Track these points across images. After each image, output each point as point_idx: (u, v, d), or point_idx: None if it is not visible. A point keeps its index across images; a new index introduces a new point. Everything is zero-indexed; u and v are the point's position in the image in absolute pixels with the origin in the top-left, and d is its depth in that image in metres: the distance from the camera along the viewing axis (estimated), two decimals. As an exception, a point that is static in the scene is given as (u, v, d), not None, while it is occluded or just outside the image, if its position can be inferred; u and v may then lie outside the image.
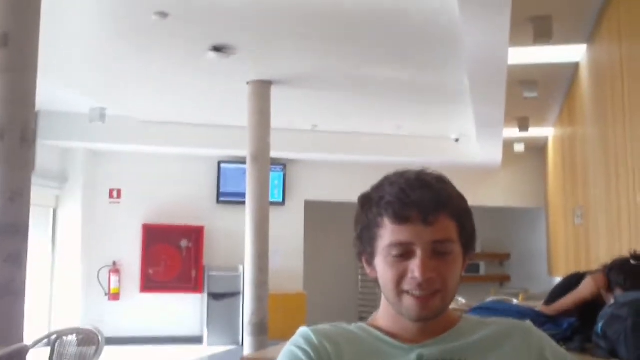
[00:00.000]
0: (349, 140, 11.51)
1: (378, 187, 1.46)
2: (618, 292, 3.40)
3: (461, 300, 7.18)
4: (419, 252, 1.37)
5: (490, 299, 5.87)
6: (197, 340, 11.59)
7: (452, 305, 4.27)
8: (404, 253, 1.38)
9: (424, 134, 11.52)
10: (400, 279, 1.39)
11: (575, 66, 8.11)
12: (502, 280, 14.01)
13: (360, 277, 13.60)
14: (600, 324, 3.06)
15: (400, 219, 1.38)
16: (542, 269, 12.73)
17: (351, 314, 12.79)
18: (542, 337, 1.56)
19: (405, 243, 1.38)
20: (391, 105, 9.86)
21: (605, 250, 6.15)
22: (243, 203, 8.92)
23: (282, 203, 12.08)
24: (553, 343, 1.56)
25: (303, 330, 1.47)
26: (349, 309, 13.12)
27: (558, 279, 4.49)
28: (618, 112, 6.11)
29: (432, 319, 1.43)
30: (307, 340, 1.44)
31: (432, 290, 1.39)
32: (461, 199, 1.47)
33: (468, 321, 1.54)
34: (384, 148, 11.44)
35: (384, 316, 1.50)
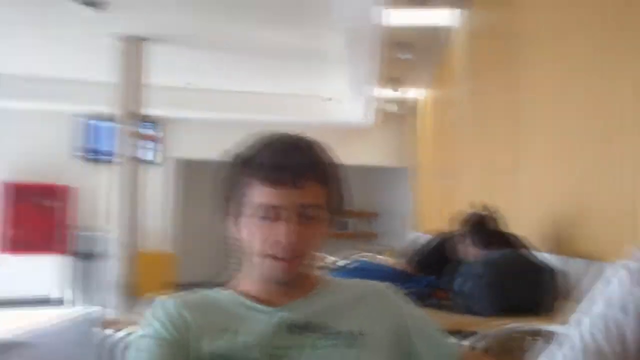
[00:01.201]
0: (223, 99, 11.36)
1: (251, 148, 1.46)
2: (472, 245, 3.50)
3: (328, 257, 7.26)
4: (285, 216, 1.39)
5: (356, 256, 5.96)
6: (61, 302, 11.25)
7: (321, 262, 4.26)
8: (271, 215, 1.40)
9: (298, 93, 11.52)
10: (265, 241, 1.40)
11: (449, 30, 8.28)
12: (370, 237, 14.33)
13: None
14: (458, 281, 3.15)
15: (271, 181, 1.39)
16: (408, 226, 13.09)
17: (223, 276, 12.73)
18: (400, 299, 1.59)
19: (273, 205, 1.39)
20: (266, 64, 9.79)
21: (470, 209, 6.38)
22: (111, 161, 8.68)
23: (154, 162, 11.84)
24: (411, 305, 1.60)
25: (161, 300, 1.46)
26: (222, 270, 13.06)
27: (425, 238, 4.61)
28: (489, 75, 6.30)
29: (293, 282, 1.46)
30: (165, 311, 1.43)
31: (295, 254, 1.41)
32: (334, 166, 1.49)
33: (328, 283, 1.56)
34: (259, 107, 11.37)
35: (247, 278, 1.51)
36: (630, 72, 2.86)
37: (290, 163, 1.40)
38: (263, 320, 1.43)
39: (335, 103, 11.59)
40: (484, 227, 3.57)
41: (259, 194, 1.40)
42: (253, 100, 11.43)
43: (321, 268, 4.89)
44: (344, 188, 1.52)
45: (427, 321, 1.59)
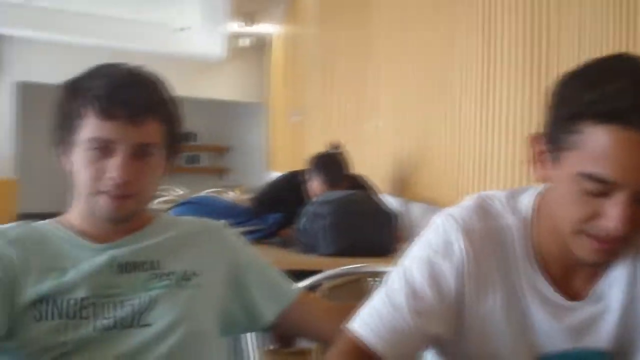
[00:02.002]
0: (68, 20, 10.75)
1: (87, 77, 1.38)
2: (318, 184, 3.54)
3: (179, 191, 7.18)
4: (119, 152, 1.33)
5: (205, 192, 5.92)
6: None
7: (168, 197, 4.19)
8: (104, 150, 1.33)
9: (148, 21, 11.13)
10: (97, 177, 1.34)
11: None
12: (222, 172, 14.26)
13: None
14: (302, 221, 3.20)
15: (106, 114, 1.31)
16: (261, 163, 13.13)
17: (68, 202, 12.34)
18: (236, 239, 1.59)
19: (107, 140, 1.32)
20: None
21: (318, 149, 6.49)
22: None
23: (-8, 83, 11.17)
24: (247, 245, 1.61)
25: None
26: (67, 197, 12.64)
27: (276, 174, 4.63)
28: (337, 14, 6.33)
29: (125, 220, 1.41)
30: None
31: (129, 192, 1.35)
32: (173, 103, 1.43)
33: (161, 220, 1.52)
34: (107, 32, 10.87)
35: (76, 213, 1.44)
36: (462, 26, 2.98)
37: (130, 97, 1.33)
38: (91, 258, 1.37)
39: (188, 34, 11.31)
40: (330, 167, 3.60)
41: (93, 127, 1.33)
42: (101, 24, 10.92)
43: (166, 202, 4.83)
44: (182, 125, 1.46)
45: (262, 262, 1.59)
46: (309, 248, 3.13)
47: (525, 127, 2.45)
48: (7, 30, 10.91)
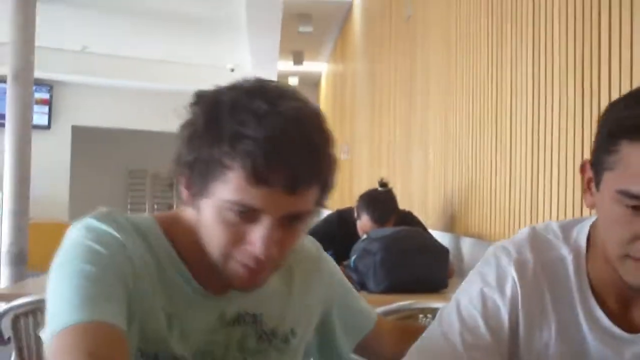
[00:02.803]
0: (120, 65, 11.06)
1: (237, 110, 1.06)
2: (367, 221, 3.55)
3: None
4: (265, 221, 1.07)
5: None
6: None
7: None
8: (248, 216, 1.07)
9: (199, 63, 11.34)
10: (233, 242, 1.09)
11: (349, 4, 8.30)
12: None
13: (129, 207, 13.28)
14: (353, 258, 3.19)
15: (259, 180, 1.03)
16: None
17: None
18: (331, 269, 1.42)
19: (254, 208, 1.06)
20: (166, 31, 9.60)
21: (367, 185, 6.47)
22: (2, 125, 8.33)
23: (48, 127, 11.44)
24: (337, 271, 1.44)
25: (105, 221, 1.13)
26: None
27: (326, 212, 4.62)
28: (384, 52, 6.36)
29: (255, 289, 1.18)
30: (118, 244, 1.10)
31: (269, 265, 1.12)
32: (335, 157, 1.14)
33: None
34: (158, 74, 11.14)
35: (192, 243, 1.15)
36: (510, 53, 2.95)
37: (292, 160, 1.04)
38: (200, 310, 1.17)
39: (238, 74, 11.47)
40: (380, 203, 3.61)
41: (239, 189, 1.04)
42: (154, 68, 11.19)
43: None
44: (334, 179, 1.17)
45: (346, 288, 1.44)
46: (360, 285, 3.12)
47: (578, 158, 2.40)
48: (65, 77, 11.24)
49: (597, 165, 1.11)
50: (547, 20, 2.68)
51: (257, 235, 1.07)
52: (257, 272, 1.11)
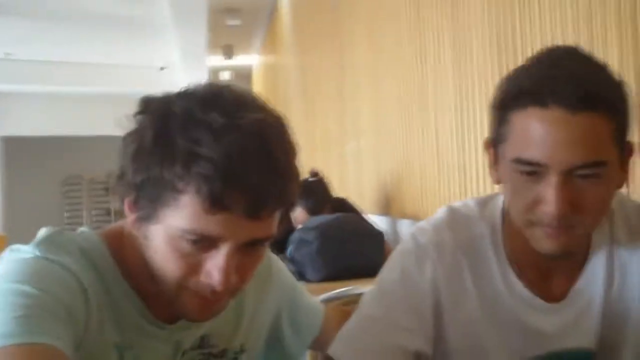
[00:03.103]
0: (49, 70, 10.82)
1: (190, 124, 0.94)
2: (301, 212, 3.56)
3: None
4: (224, 250, 0.97)
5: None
6: None
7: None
8: (205, 243, 0.97)
9: (129, 63, 11.18)
10: (188, 274, 0.99)
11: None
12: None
13: (66, 214, 13.02)
14: (289, 249, 3.19)
15: (216, 206, 0.93)
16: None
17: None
18: (283, 278, 1.40)
19: (211, 237, 0.96)
20: (93, 34, 9.43)
21: (303, 176, 6.52)
22: None
23: (-24, 138, 11.17)
24: (288, 279, 1.43)
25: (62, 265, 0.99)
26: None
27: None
28: (313, 42, 6.37)
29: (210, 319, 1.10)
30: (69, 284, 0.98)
31: (226, 295, 1.03)
32: (297, 170, 1.06)
33: None
34: (88, 78, 10.93)
35: (142, 267, 1.04)
36: (432, 40, 2.99)
37: (254, 184, 0.94)
38: (155, 344, 1.10)
39: (170, 72, 11.36)
40: (312, 193, 3.62)
41: (194, 218, 0.94)
42: (83, 71, 10.98)
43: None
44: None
45: (295, 290, 1.40)
46: (299, 275, 3.12)
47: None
48: (-12, 85, 10.96)
49: (494, 140, 1.13)
50: (465, 3, 2.72)
51: (214, 265, 0.97)
52: (213, 303, 1.02)
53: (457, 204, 1.31)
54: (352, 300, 2.33)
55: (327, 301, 2.29)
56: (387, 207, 4.06)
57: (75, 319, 0.95)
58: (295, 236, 3.20)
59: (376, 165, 4.26)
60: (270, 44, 9.71)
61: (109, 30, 9.23)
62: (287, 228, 3.52)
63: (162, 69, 11.31)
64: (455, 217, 1.27)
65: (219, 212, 0.92)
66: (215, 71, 11.24)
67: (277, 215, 1.01)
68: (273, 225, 1.01)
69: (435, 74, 3.10)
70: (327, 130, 5.82)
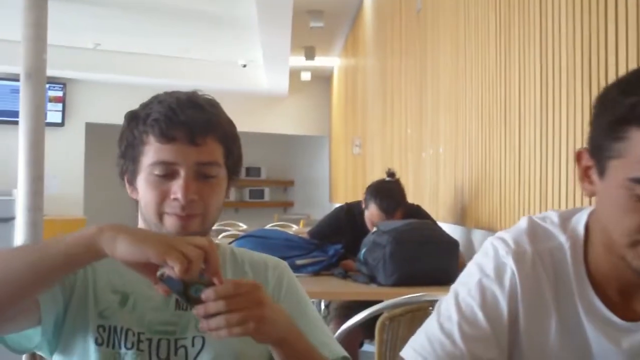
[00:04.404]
0: (134, 61, 11.06)
1: (146, 105, 1.42)
2: (375, 211, 3.55)
3: (242, 225, 7.26)
4: (182, 173, 1.36)
5: (268, 226, 5.97)
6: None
7: (232, 231, 4.24)
8: (167, 173, 1.36)
9: (211, 59, 11.34)
10: (162, 199, 1.37)
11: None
12: (286, 205, 14.33)
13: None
14: (362, 251, 3.19)
15: (166, 137, 1.35)
16: (324, 195, 13.17)
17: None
18: (293, 283, 1.52)
19: (169, 162, 1.36)
20: (178, 28, 9.59)
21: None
22: (16, 123, 8.38)
23: (62, 125, 11.49)
24: (302, 292, 1.53)
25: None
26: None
27: (333, 207, 4.64)
28: (395, 47, 6.35)
29: None
30: None
31: (194, 212, 1.37)
32: (230, 124, 1.46)
33: (224, 252, 1.51)
34: (170, 71, 11.13)
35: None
36: (518, 48, 2.95)
37: (188, 118, 1.36)
38: (152, 293, 1.32)
39: (250, 70, 11.48)
40: (387, 193, 3.61)
41: (155, 151, 1.37)
42: (167, 64, 11.19)
43: (230, 237, 4.88)
44: (240, 147, 1.49)
45: (314, 316, 1.49)
46: (370, 278, 3.12)
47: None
48: (78, 74, 11.26)
49: (599, 153, 1.09)
50: (555, 13, 2.68)
51: (178, 185, 1.35)
52: (187, 219, 1.36)
53: (538, 215, 1.29)
54: (422, 307, 2.33)
55: (397, 306, 2.30)
56: (462, 216, 4.02)
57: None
58: (368, 239, 3.20)
59: (454, 173, 4.22)
60: (352, 46, 9.72)
61: (194, 25, 9.38)
62: (360, 231, 3.53)
63: (244, 66, 11.43)
64: (536, 228, 1.25)
65: (169, 143, 1.35)
66: (295, 71, 11.30)
67: (213, 145, 1.39)
68: (213, 153, 1.39)
69: (521, 84, 3.05)
70: (405, 136, 5.80)
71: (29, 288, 1.15)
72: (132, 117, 1.42)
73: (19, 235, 8.55)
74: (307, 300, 1.52)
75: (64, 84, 11.47)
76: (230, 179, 1.47)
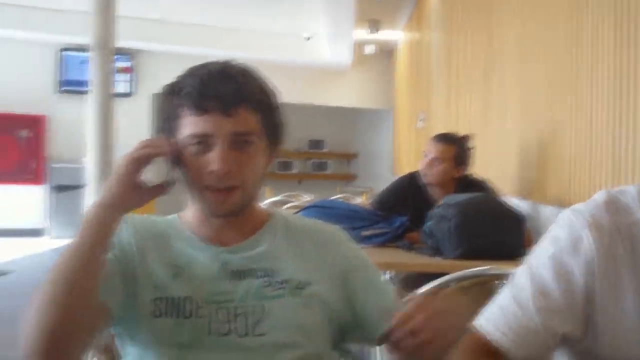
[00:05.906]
0: (199, 33, 11.16)
1: (180, 79, 1.43)
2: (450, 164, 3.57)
3: (307, 197, 7.28)
4: (218, 144, 1.35)
5: (332, 198, 5.97)
6: (39, 232, 11.20)
7: (295, 202, 4.27)
8: (204, 145, 1.36)
9: (275, 31, 11.36)
10: (199, 172, 1.37)
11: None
12: (348, 178, 14.33)
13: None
14: (428, 223, 3.18)
15: (199, 109, 1.35)
16: (387, 168, 13.12)
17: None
18: (348, 244, 1.54)
19: (205, 134, 1.36)
20: (241, 0, 9.63)
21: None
22: (86, 93, 8.55)
23: (130, 95, 11.70)
24: (359, 250, 1.56)
25: (125, 219, 1.40)
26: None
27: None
28: (460, 18, 6.26)
29: (233, 215, 1.43)
30: (120, 232, 1.39)
31: (231, 184, 1.37)
32: (265, 92, 1.44)
33: (276, 221, 1.52)
34: (234, 43, 11.18)
35: (191, 213, 1.48)
36: (589, 19, 2.87)
37: (221, 90, 1.36)
38: (205, 262, 1.41)
39: (314, 43, 11.47)
40: (463, 149, 3.62)
41: (190, 124, 1.36)
42: (230, 36, 11.25)
43: (294, 208, 4.90)
44: (281, 115, 1.47)
45: (372, 270, 1.53)
46: (436, 250, 3.11)
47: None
48: (145, 45, 11.42)
49: None
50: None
51: (214, 156, 1.35)
52: (226, 194, 1.37)
53: (617, 189, 1.27)
54: (488, 280, 2.32)
55: (462, 279, 2.29)
56: (529, 191, 3.97)
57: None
58: (435, 212, 3.18)
59: (521, 148, 4.16)
60: (417, 21, 9.61)
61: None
62: (425, 203, 3.51)
63: (307, 39, 11.42)
64: (614, 202, 1.23)
65: (203, 115, 1.35)
66: (359, 44, 11.24)
67: (248, 114, 1.38)
68: (247, 122, 1.38)
69: (591, 58, 2.98)
70: (471, 111, 5.73)
71: (88, 284, 1.23)
72: (167, 92, 1.43)
73: (90, 202, 8.70)
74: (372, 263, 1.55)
75: (132, 55, 11.65)
76: (271, 149, 1.45)
